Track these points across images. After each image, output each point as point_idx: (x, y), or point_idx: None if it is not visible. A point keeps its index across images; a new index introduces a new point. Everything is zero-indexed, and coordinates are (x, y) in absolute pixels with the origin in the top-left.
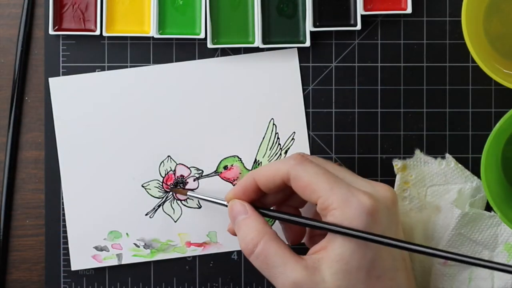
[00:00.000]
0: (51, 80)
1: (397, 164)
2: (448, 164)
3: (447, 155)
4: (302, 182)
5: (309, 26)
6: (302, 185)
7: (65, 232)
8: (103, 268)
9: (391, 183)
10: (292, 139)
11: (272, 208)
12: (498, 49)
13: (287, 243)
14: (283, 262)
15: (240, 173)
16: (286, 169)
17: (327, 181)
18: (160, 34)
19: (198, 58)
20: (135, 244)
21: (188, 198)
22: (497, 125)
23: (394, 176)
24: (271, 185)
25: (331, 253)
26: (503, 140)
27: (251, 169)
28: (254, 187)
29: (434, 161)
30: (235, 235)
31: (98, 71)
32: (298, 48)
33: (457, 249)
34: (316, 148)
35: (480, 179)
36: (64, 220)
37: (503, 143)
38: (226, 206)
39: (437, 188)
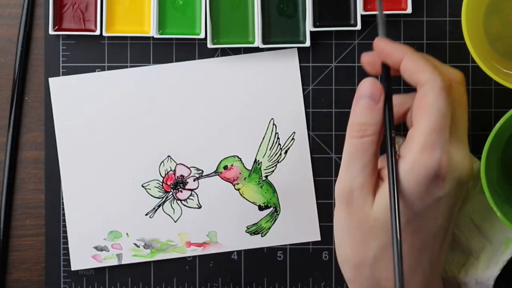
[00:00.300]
0: (51, 80)
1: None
2: None
3: None
4: (424, 105)
5: (309, 26)
6: (419, 106)
7: (65, 232)
8: (103, 268)
9: None
10: (292, 139)
11: None
12: (498, 49)
13: None
14: (362, 171)
15: (240, 173)
16: (429, 81)
17: (440, 132)
18: (160, 34)
19: (198, 58)
20: (135, 244)
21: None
22: (498, 124)
23: None
24: (406, 76)
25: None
26: (503, 140)
27: (251, 169)
28: (395, 60)
29: None
30: (366, 67)
31: (98, 71)
32: (298, 48)
33: (460, 230)
34: (316, 148)
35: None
36: (64, 220)
37: (503, 143)
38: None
39: None
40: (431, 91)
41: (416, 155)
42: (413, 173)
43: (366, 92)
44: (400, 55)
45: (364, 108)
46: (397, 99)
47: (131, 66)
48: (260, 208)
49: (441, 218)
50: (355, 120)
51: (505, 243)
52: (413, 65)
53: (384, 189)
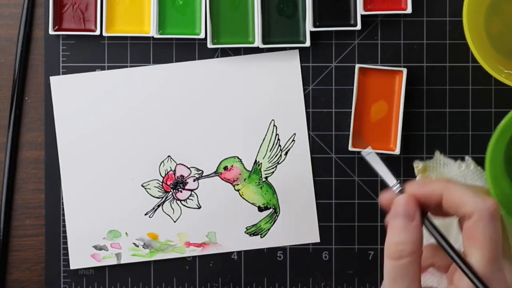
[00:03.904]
0: (52, 79)
1: (418, 165)
2: (468, 166)
3: (467, 157)
4: (473, 234)
5: (309, 26)
6: (469, 235)
7: (65, 232)
8: (103, 268)
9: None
10: (293, 140)
11: None
12: (499, 49)
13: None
14: None
15: (240, 174)
16: (477, 209)
17: (489, 258)
18: (160, 34)
19: (198, 58)
20: (134, 243)
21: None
22: (502, 122)
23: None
24: (452, 210)
25: None
26: (506, 139)
27: (251, 170)
28: (436, 198)
29: (454, 163)
30: (384, 207)
31: (98, 71)
32: (299, 48)
33: None
34: (316, 148)
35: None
36: (64, 220)
37: (506, 142)
38: (395, 191)
39: None
40: (480, 222)
41: None
42: None
43: (400, 211)
44: (438, 194)
45: (398, 228)
46: (460, 194)
47: (131, 66)
48: (260, 209)
49: None
50: (390, 240)
51: None
52: (455, 199)
53: None
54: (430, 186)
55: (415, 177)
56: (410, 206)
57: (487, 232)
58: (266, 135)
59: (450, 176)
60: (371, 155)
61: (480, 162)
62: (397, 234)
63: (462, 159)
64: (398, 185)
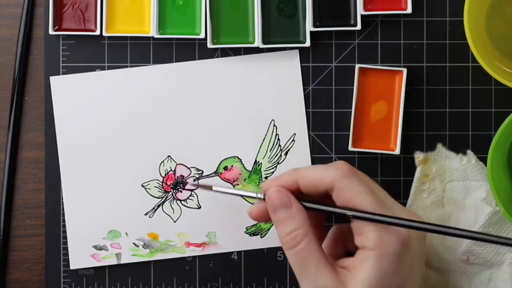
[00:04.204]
0: (52, 79)
1: (418, 156)
2: (469, 160)
3: (469, 151)
4: (345, 196)
5: (309, 26)
6: (344, 199)
7: (65, 232)
8: (103, 268)
9: (390, 182)
10: (293, 140)
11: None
12: (502, 49)
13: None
14: (318, 267)
15: (240, 174)
16: (332, 179)
17: (370, 202)
18: (160, 34)
19: (198, 58)
20: (134, 243)
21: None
22: (505, 121)
23: (393, 175)
24: (313, 190)
25: (358, 274)
26: (509, 138)
27: (251, 170)
28: (294, 187)
29: (455, 156)
30: (258, 220)
31: (98, 71)
32: (298, 48)
33: (482, 247)
34: (316, 148)
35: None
36: (64, 220)
37: (510, 141)
38: (260, 198)
39: (456, 184)
40: (342, 188)
41: None
42: None
43: (276, 203)
44: (293, 183)
45: (282, 219)
46: (313, 173)
47: (131, 66)
48: None
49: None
50: (281, 234)
51: None
52: (311, 181)
53: (355, 279)
54: (283, 178)
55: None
56: (282, 195)
57: (356, 187)
58: (266, 135)
59: (451, 169)
60: (218, 188)
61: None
62: (284, 225)
63: (464, 152)
64: (258, 194)
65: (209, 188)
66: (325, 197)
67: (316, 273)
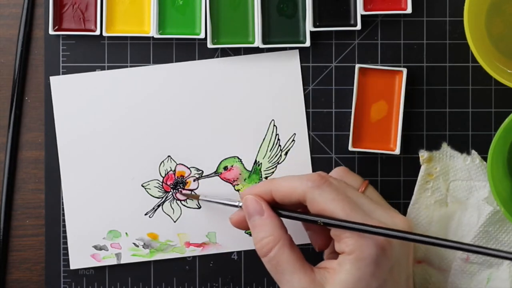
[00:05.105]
0: (52, 79)
1: (423, 155)
2: (473, 160)
3: (473, 151)
4: (317, 207)
5: (309, 26)
6: (317, 209)
7: (65, 232)
8: (103, 268)
9: (390, 182)
10: (293, 140)
11: None
12: (502, 49)
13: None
14: (292, 271)
15: (240, 174)
16: (303, 191)
17: (342, 209)
18: (160, 34)
19: (198, 58)
20: (134, 243)
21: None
22: (505, 121)
23: (393, 175)
24: (286, 201)
25: (337, 276)
26: (509, 138)
27: (251, 170)
28: (269, 197)
29: (460, 156)
30: (238, 227)
31: (98, 71)
32: (298, 48)
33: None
34: (316, 148)
35: None
36: (64, 220)
37: (510, 141)
38: (239, 206)
39: (459, 184)
40: (314, 199)
41: None
42: None
43: (251, 211)
44: (268, 193)
45: (256, 225)
46: (285, 185)
47: (131, 66)
48: None
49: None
50: (255, 240)
51: None
52: (283, 192)
53: (333, 280)
54: (258, 187)
55: (415, 177)
56: (256, 203)
57: (328, 196)
58: (266, 135)
59: (455, 169)
60: (204, 197)
61: None
62: (257, 231)
63: (468, 152)
64: (240, 202)
65: (196, 197)
66: (304, 206)
67: (291, 277)
